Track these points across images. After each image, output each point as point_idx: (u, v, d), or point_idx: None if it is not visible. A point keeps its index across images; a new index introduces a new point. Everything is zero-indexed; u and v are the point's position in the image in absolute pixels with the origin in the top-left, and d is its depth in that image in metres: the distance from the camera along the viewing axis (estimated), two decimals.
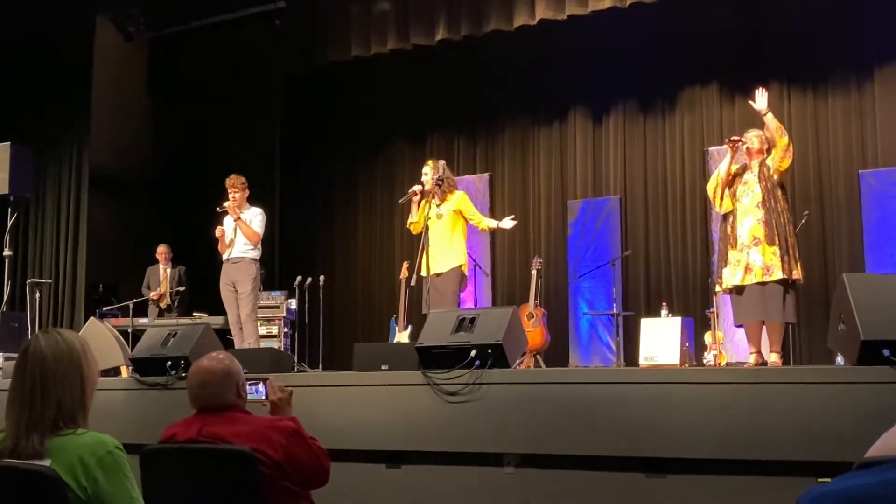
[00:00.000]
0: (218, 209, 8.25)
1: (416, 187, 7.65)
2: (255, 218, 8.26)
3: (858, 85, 9.53)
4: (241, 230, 8.16)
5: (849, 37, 9.55)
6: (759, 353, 6.60)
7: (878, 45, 9.39)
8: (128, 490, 2.50)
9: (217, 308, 10.21)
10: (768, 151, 6.67)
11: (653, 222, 10.43)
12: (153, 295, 10.63)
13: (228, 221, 8.30)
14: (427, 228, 7.41)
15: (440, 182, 7.56)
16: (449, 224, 7.55)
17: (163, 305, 10.62)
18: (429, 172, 7.67)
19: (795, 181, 9.62)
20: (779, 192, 6.52)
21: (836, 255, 9.40)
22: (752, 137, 6.72)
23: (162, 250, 10.84)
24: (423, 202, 7.58)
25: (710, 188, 6.87)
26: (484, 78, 11.46)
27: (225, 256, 8.25)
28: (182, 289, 10.61)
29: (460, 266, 7.53)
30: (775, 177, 6.53)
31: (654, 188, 10.47)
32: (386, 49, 10.74)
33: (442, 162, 7.91)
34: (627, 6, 9.33)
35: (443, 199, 7.61)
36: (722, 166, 6.76)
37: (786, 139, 6.52)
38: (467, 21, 10.16)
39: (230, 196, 8.21)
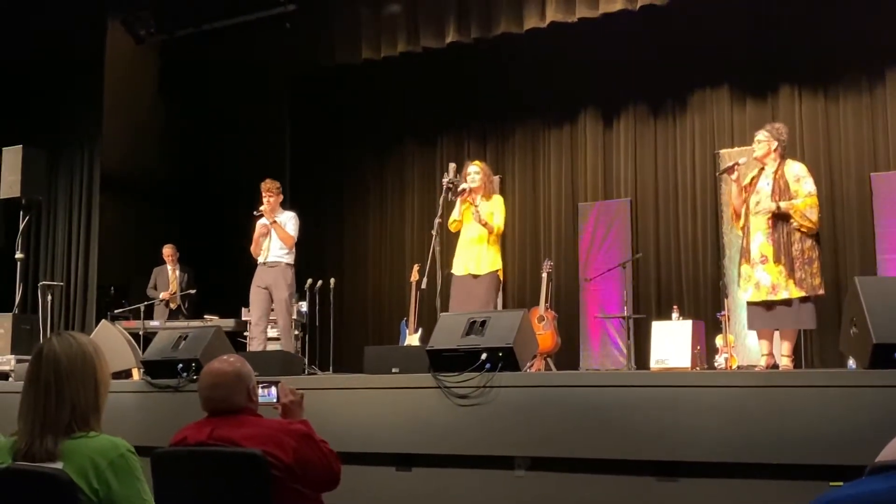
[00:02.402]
0: (255, 213, 8.34)
1: (464, 185, 7.55)
2: (290, 222, 8.38)
3: (870, 87, 9.49)
4: (277, 234, 8.25)
5: (860, 39, 9.51)
6: (770, 355, 6.59)
7: (889, 47, 9.35)
8: (139, 493, 2.52)
9: (228, 310, 10.26)
10: (780, 150, 6.61)
11: (663, 225, 10.40)
12: (164, 295, 10.66)
13: (260, 223, 8.41)
14: (440, 229, 7.40)
15: (451, 186, 7.50)
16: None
17: (173, 306, 10.64)
18: (479, 172, 7.61)
19: None
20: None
21: (847, 259, 9.36)
22: (755, 145, 6.67)
23: (168, 252, 10.88)
24: (461, 201, 7.52)
25: (730, 215, 6.89)
26: (494, 80, 11.46)
27: (260, 260, 8.35)
28: (192, 291, 10.63)
29: (497, 271, 7.49)
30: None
31: (665, 191, 10.44)
32: (396, 52, 10.74)
33: (482, 165, 7.83)
34: (638, 8, 9.31)
35: (487, 199, 7.56)
36: (732, 197, 6.75)
37: (815, 217, 6.34)
38: (477, 23, 10.15)
39: (265, 200, 8.29)
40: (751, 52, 10.07)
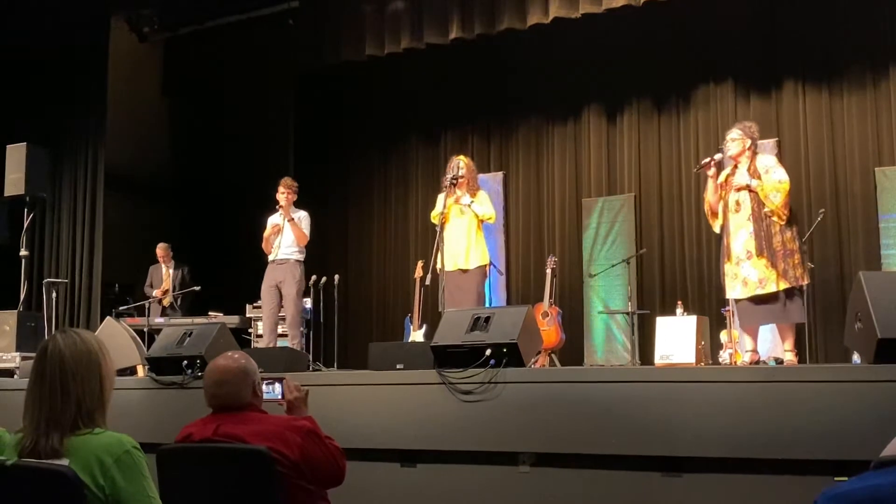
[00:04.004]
0: (278, 207, 8.46)
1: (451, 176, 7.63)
2: (304, 220, 8.52)
3: (874, 82, 9.47)
4: (294, 232, 8.39)
5: (864, 33, 9.49)
6: (755, 351, 6.63)
7: (893, 41, 9.34)
8: (145, 489, 2.52)
9: (232, 307, 10.26)
10: (752, 148, 6.62)
11: (667, 220, 10.39)
12: (157, 293, 10.70)
13: (273, 221, 8.53)
14: (443, 224, 7.43)
15: (454, 181, 7.55)
16: (475, 220, 7.60)
17: (166, 304, 10.65)
18: (464, 167, 7.66)
19: (811, 179, 9.59)
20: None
21: (851, 253, 9.34)
22: (731, 145, 6.66)
23: (161, 252, 10.92)
24: (447, 195, 7.59)
25: (706, 211, 6.87)
26: (498, 76, 11.45)
27: (271, 257, 8.46)
28: (197, 288, 10.60)
29: (485, 265, 7.61)
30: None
31: (669, 186, 10.43)
32: (400, 48, 10.73)
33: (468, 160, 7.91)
34: (642, 4, 9.30)
35: (473, 196, 7.63)
36: (708, 193, 6.73)
37: (778, 200, 6.36)
38: (481, 20, 10.14)
39: (283, 197, 8.42)
40: (755, 47, 10.05)
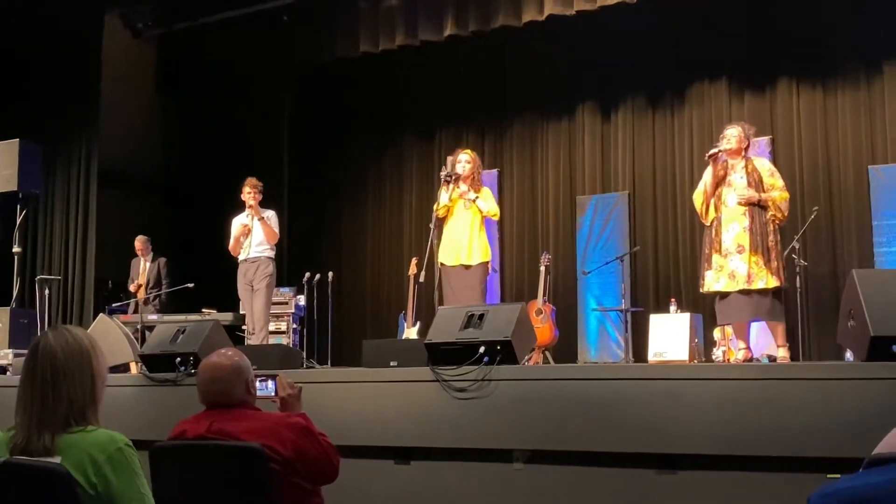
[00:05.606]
0: (248, 208, 8.49)
1: (449, 172, 7.64)
2: (273, 219, 8.61)
3: (867, 79, 9.49)
4: (265, 231, 8.46)
5: (858, 31, 9.51)
6: (748, 349, 6.63)
7: (887, 39, 9.35)
8: (137, 487, 2.51)
9: (226, 304, 10.24)
10: (748, 149, 6.65)
11: (661, 218, 10.40)
12: (132, 288, 10.64)
13: (240, 221, 8.54)
14: (444, 218, 7.43)
15: (449, 178, 7.53)
16: (479, 216, 7.58)
17: (140, 298, 10.57)
18: (469, 162, 7.65)
19: (804, 177, 9.60)
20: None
21: (845, 251, 9.36)
22: (730, 137, 6.65)
23: (139, 245, 10.85)
24: (450, 188, 7.55)
25: (696, 201, 6.82)
26: (492, 73, 11.45)
27: (242, 257, 8.51)
28: (190, 285, 10.52)
29: (487, 262, 7.58)
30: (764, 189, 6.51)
31: (663, 184, 10.44)
32: (394, 45, 10.73)
33: (472, 155, 7.89)
34: (636, 1, 9.30)
35: (477, 191, 7.61)
36: (707, 178, 6.71)
37: (787, 211, 6.57)
38: (476, 17, 10.14)
39: (251, 197, 8.48)
40: (749, 44, 10.06)
